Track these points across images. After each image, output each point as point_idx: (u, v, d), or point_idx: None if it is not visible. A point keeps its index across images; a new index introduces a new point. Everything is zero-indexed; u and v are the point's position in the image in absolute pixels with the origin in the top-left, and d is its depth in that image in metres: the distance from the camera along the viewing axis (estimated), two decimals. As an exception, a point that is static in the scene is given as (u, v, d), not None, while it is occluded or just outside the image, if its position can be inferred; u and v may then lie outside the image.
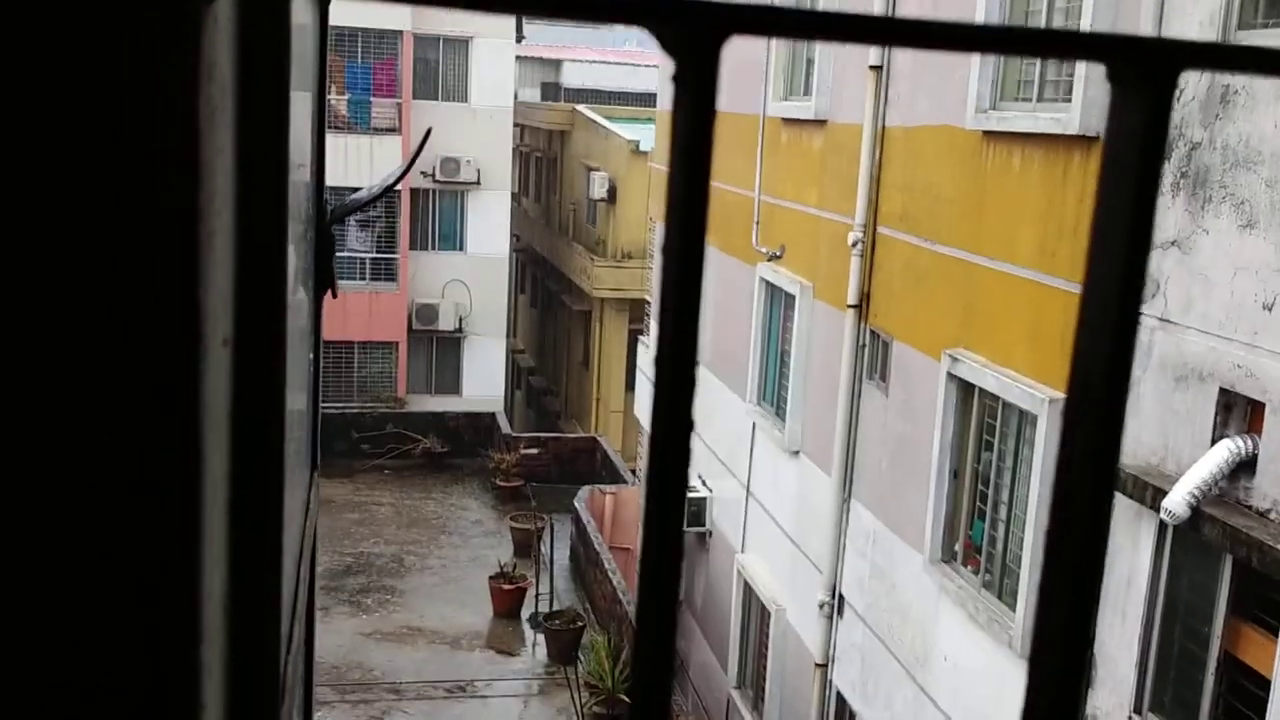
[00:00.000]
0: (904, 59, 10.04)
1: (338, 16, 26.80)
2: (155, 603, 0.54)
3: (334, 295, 2.07)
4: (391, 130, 25.37)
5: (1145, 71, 0.42)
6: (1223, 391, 6.15)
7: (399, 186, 25.31)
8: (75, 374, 0.49)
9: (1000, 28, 0.41)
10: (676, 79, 0.40)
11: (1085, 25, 7.39)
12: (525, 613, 17.79)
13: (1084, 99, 7.38)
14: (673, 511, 0.44)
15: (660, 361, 0.43)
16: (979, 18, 8.58)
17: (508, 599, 17.70)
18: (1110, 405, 0.43)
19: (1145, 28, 6.81)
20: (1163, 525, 6.45)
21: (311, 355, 1.93)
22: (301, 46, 1.41)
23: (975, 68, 8.65)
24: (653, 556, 0.44)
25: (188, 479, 0.50)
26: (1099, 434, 0.44)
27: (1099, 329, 0.42)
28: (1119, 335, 0.42)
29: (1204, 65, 0.44)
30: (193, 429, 0.50)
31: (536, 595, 17.75)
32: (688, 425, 0.44)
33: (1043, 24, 8.18)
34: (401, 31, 25.25)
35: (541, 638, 16.95)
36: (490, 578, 17.97)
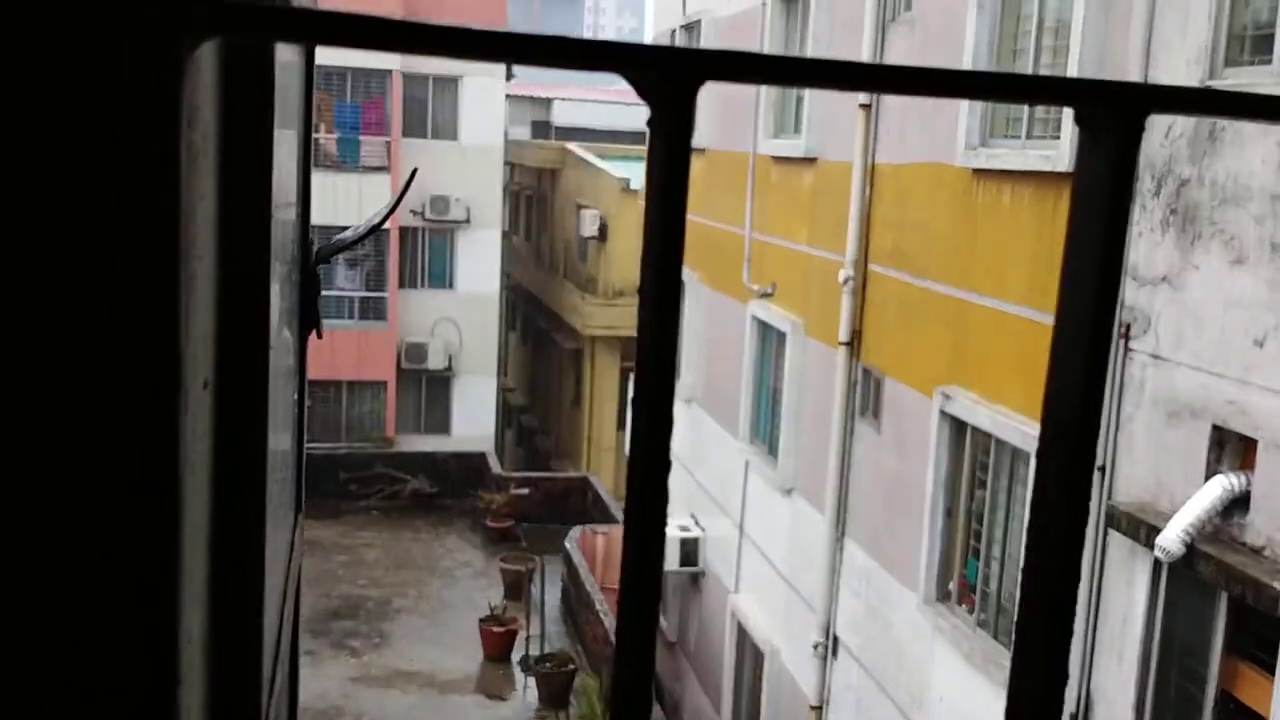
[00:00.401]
0: (894, 97, 10.12)
1: (326, 56, 27.00)
2: (132, 643, 0.53)
3: (319, 336, 2.06)
4: (381, 169, 25.46)
5: (1113, 115, 0.41)
6: (1215, 428, 6.15)
7: (387, 225, 25.38)
8: (52, 414, 0.48)
9: (968, 73, 0.41)
10: (651, 124, 0.40)
11: (1073, 63, 7.46)
12: (516, 656, 17.63)
13: (1073, 136, 7.44)
14: (652, 548, 0.43)
15: (638, 402, 0.43)
16: (967, 57, 8.67)
17: (498, 642, 17.56)
18: (1082, 438, 0.42)
19: (1133, 65, 6.88)
20: (1157, 563, 6.44)
21: (296, 396, 1.92)
22: (286, 84, 1.42)
23: (964, 105, 8.72)
24: (632, 593, 0.43)
25: (165, 521, 0.50)
26: (1072, 465, 0.43)
27: (1071, 363, 0.42)
28: (1090, 369, 0.42)
29: (1170, 109, 0.44)
30: (171, 471, 0.49)
31: (527, 638, 17.60)
32: (664, 464, 0.44)
33: (1030, 63, 8.27)
34: (391, 71, 25.40)
35: (532, 681, 16.79)
36: (480, 620, 17.83)
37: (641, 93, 0.40)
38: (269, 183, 0.82)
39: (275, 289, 1.33)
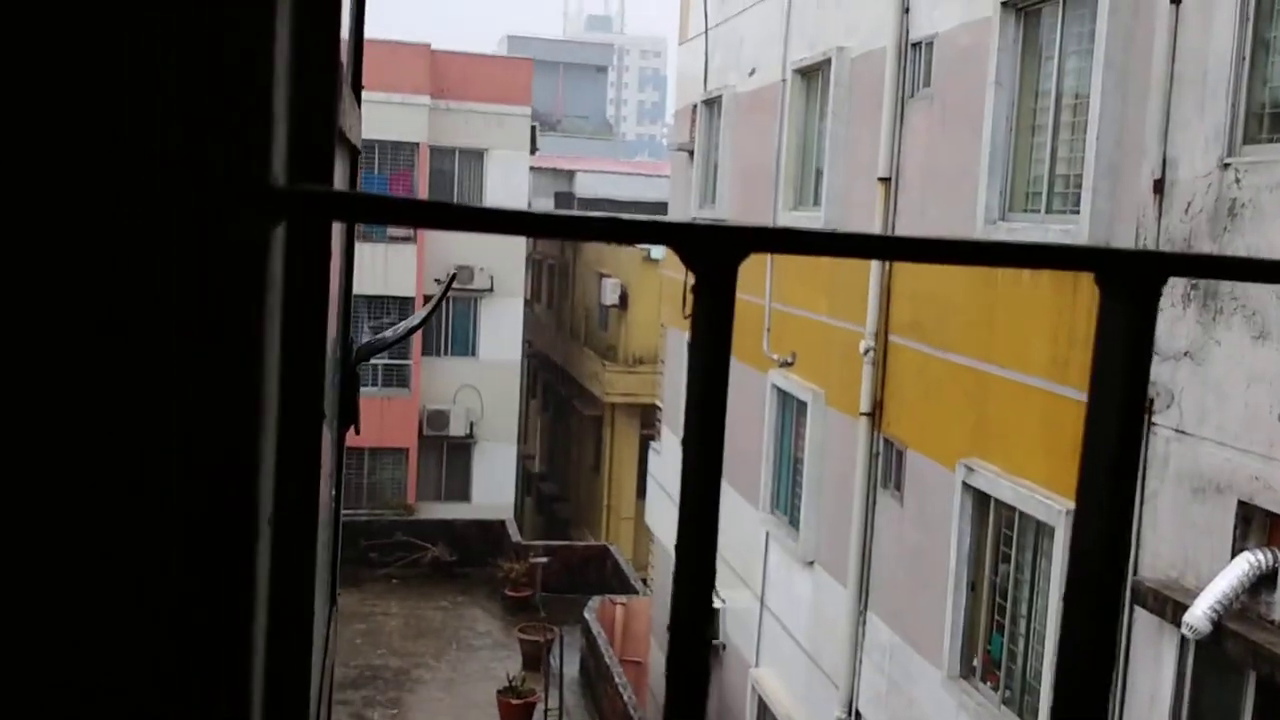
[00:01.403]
0: (913, 169, 10.21)
1: (357, 130, 27.10)
2: None
3: (357, 432, 2.10)
4: (407, 240, 25.75)
5: (1130, 279, 0.44)
6: (1241, 504, 6.10)
7: (412, 293, 25.60)
8: (140, 565, 0.51)
9: (992, 244, 0.44)
10: (696, 291, 0.43)
11: (1090, 140, 7.52)
12: (535, 727, 17.43)
13: (1092, 210, 7.48)
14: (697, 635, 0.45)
15: (679, 568, 0.45)
16: (985, 133, 8.75)
17: (516, 714, 17.36)
18: (1107, 589, 0.44)
19: (1150, 143, 6.93)
20: (1184, 640, 6.35)
21: (335, 492, 1.95)
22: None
23: (984, 178, 8.79)
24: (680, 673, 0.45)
25: (240, 668, 0.52)
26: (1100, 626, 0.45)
27: (1092, 531, 0.44)
28: (1111, 538, 0.44)
29: (1186, 273, 0.46)
30: (247, 624, 0.52)
31: (546, 710, 17.40)
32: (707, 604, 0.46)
33: (1048, 139, 8.33)
34: (418, 144, 25.80)
35: (551, 753, 16.57)
36: (498, 692, 17.66)
37: (688, 264, 0.43)
38: (323, 339, 0.85)
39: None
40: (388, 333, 2.50)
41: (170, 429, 0.48)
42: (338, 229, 1.60)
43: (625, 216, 0.40)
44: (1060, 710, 0.49)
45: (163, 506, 0.49)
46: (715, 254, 0.41)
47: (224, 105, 0.44)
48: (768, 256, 13.24)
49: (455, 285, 26.49)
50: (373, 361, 26.38)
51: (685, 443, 0.45)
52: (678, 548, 0.43)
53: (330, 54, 0.84)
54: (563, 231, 0.40)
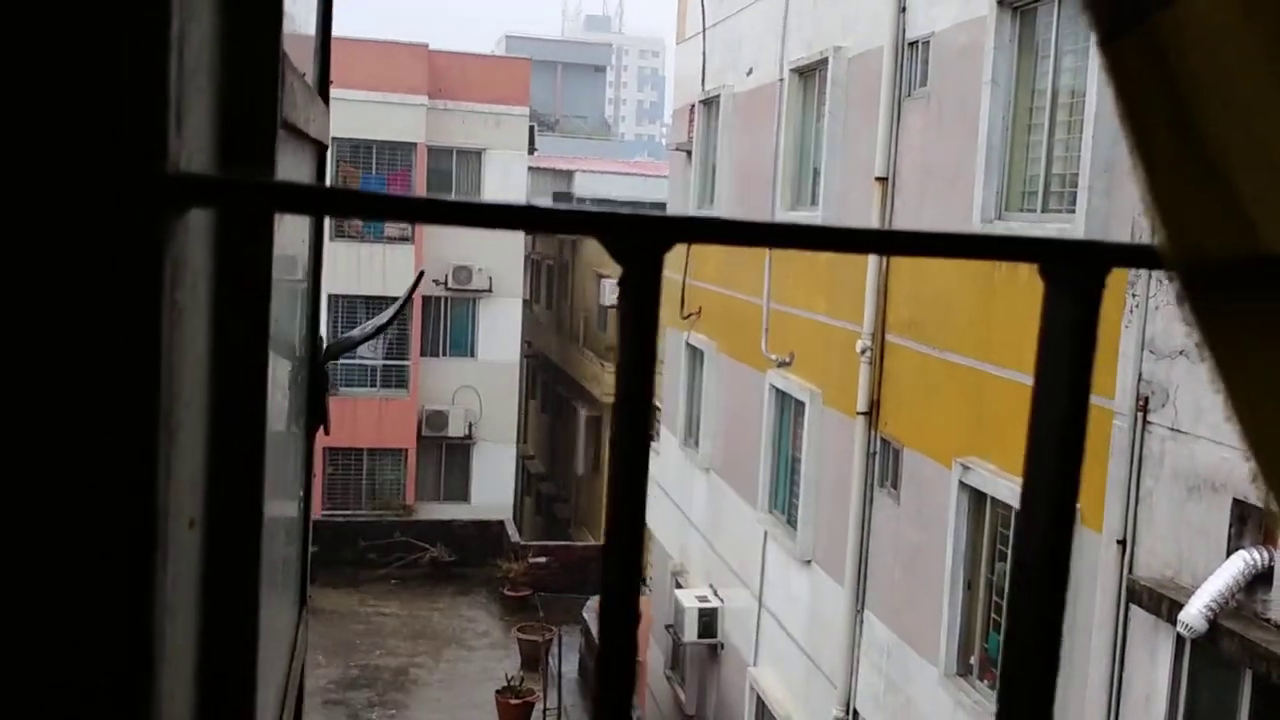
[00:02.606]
0: (910, 169, 10.21)
1: (352, 128, 27.17)
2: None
3: (326, 432, 2.09)
4: (404, 239, 25.74)
5: (1076, 270, 0.43)
6: (1236, 502, 6.09)
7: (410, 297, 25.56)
8: (25, 551, 0.50)
9: (936, 235, 0.43)
10: (621, 284, 0.42)
11: (1087, 138, 7.50)
12: (534, 727, 17.43)
13: (1088, 208, 7.47)
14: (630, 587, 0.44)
15: (608, 538, 0.44)
16: (982, 131, 8.74)
17: (515, 714, 17.36)
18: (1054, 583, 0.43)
19: None
20: (1180, 639, 6.34)
21: (302, 494, 1.93)
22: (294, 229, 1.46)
23: (980, 177, 8.78)
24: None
25: (142, 661, 0.51)
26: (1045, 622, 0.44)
27: (1039, 520, 0.43)
28: (1057, 529, 0.43)
29: (1132, 264, 0.45)
30: (145, 616, 0.50)
31: (544, 710, 17.40)
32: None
33: (1045, 137, 8.32)
34: (415, 144, 25.79)
35: (550, 753, 16.57)
36: (497, 692, 17.65)
37: (615, 255, 0.42)
38: (265, 339, 0.84)
39: (283, 390, 1.35)
40: (355, 331, 2.49)
41: (54, 425, 0.47)
42: (299, 223, 1.59)
43: (544, 205, 0.39)
44: (1006, 693, 0.47)
45: (47, 505, 0.48)
46: (639, 244, 0.40)
47: (111, 89, 0.43)
48: (766, 255, 13.23)
49: (455, 286, 26.49)
50: (371, 363, 26.38)
51: (611, 443, 0.44)
52: (606, 536, 0.42)
53: (269, 45, 0.83)
54: (478, 220, 0.39)
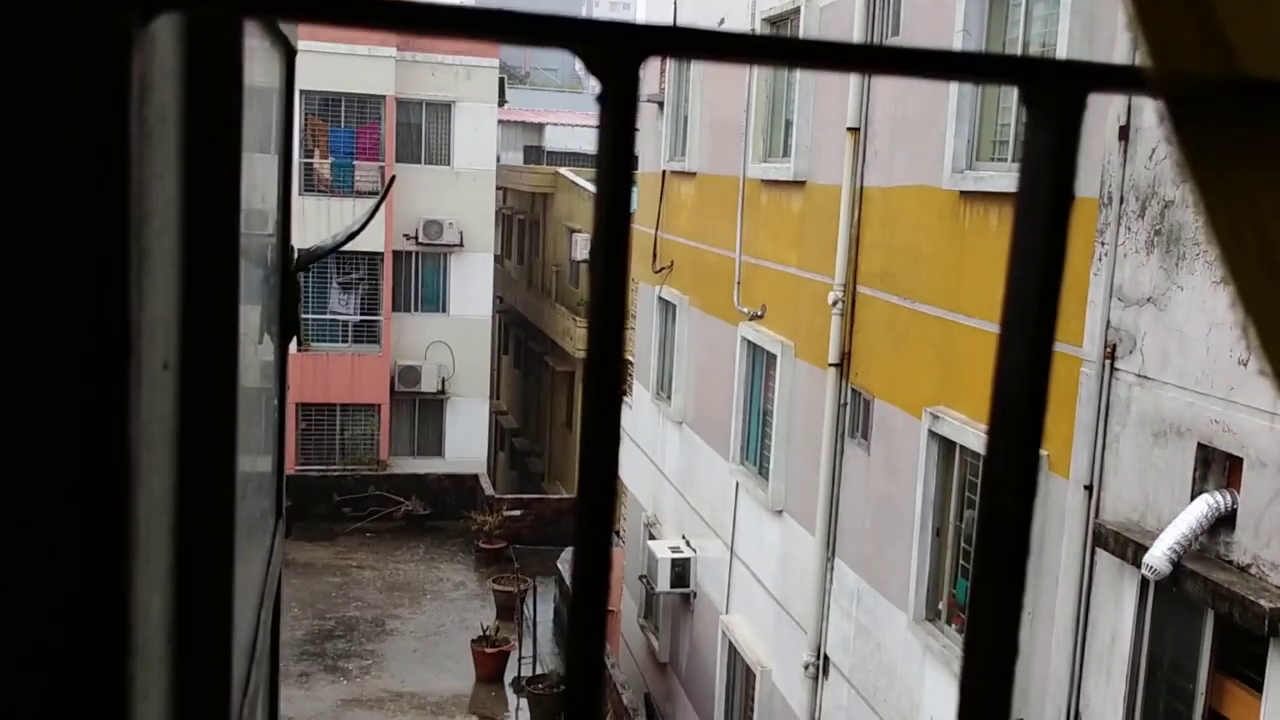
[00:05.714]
0: (881, 119, 10.18)
1: (321, 81, 26.86)
2: (81, 617, 0.53)
3: (299, 345, 2.08)
4: (374, 193, 25.50)
5: (1056, 93, 0.43)
6: (1201, 447, 6.18)
7: (381, 249, 25.40)
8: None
9: (909, 50, 0.43)
10: (600, 98, 0.41)
11: (1062, 37, 7.46)
12: (509, 677, 17.57)
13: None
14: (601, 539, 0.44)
15: (588, 382, 0.44)
16: (952, 87, 8.72)
17: (490, 663, 17.50)
18: (1029, 424, 0.43)
19: (1121, 47, 6.89)
20: (1145, 582, 6.45)
21: (277, 401, 1.92)
22: (265, 102, 1.43)
23: (951, 128, 8.78)
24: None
25: (117, 496, 0.50)
26: (1021, 452, 0.44)
27: (1017, 347, 0.43)
28: (1036, 353, 0.43)
29: (1113, 87, 0.45)
30: (122, 444, 0.50)
31: (520, 659, 17.54)
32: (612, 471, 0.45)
33: (1020, 42, 8.28)
34: (384, 96, 25.50)
35: (525, 702, 16.73)
36: (473, 641, 17.77)
37: (591, 68, 0.41)
38: (237, 167, 0.82)
39: (256, 293, 1.34)
40: (326, 239, 2.47)
41: (11, 245, 0.46)
42: (274, 108, 1.56)
43: (515, 10, 0.39)
44: (972, 637, 0.48)
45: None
46: (616, 55, 0.40)
47: None
48: (738, 208, 13.21)
49: (425, 240, 26.31)
50: (342, 317, 26.24)
51: (590, 269, 0.44)
52: (585, 379, 0.42)
53: None
54: (460, 29, 0.38)
